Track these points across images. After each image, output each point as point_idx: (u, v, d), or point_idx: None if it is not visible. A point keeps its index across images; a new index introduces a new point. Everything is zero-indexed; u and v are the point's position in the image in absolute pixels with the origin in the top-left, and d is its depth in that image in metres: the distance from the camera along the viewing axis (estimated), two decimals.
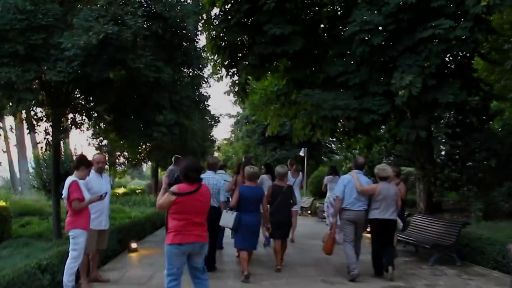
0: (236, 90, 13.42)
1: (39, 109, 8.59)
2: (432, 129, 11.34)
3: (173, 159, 9.98)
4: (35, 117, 8.57)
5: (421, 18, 9.34)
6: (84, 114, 8.81)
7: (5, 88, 6.89)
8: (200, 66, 10.38)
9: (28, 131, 9.11)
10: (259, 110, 15.22)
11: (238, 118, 35.27)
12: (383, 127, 12.72)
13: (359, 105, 9.77)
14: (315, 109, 10.32)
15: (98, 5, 6.78)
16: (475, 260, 8.00)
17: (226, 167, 9.79)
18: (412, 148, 12.15)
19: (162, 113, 9.13)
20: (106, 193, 5.84)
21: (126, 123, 8.25)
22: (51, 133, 8.38)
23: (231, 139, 40.51)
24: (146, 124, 8.53)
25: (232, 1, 11.60)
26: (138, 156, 20.86)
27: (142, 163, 23.18)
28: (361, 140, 13.35)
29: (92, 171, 5.88)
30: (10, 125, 25.08)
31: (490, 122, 13.54)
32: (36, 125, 8.67)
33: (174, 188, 4.36)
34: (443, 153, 14.69)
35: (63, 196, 5.49)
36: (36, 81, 7.51)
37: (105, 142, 13.99)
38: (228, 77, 13.13)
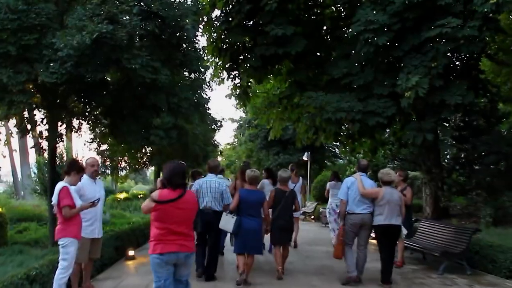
0: (237, 93, 13.20)
1: (34, 112, 8.35)
2: (439, 131, 11.05)
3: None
4: (28, 120, 8.31)
5: (427, 17, 9.13)
6: (81, 117, 8.56)
7: None
8: (200, 67, 10.11)
9: (20, 135, 8.84)
10: (261, 113, 15.00)
11: (241, 122, 35.04)
12: (388, 130, 12.47)
13: (364, 107, 9.54)
14: (318, 111, 10.08)
15: (93, 4, 6.53)
16: (486, 269, 7.67)
17: (224, 172, 9.58)
18: (418, 151, 11.87)
19: (160, 116, 8.86)
20: (99, 199, 5.54)
21: (123, 126, 7.99)
22: (45, 137, 8.13)
23: (234, 143, 40.33)
24: (143, 127, 8.27)
25: (233, 2, 11.40)
26: (140, 160, 20.62)
27: (144, 167, 22.93)
28: (366, 144, 13.09)
29: (85, 176, 5.61)
30: (11, 131, 24.92)
31: (498, 125, 13.23)
32: (30, 129, 8.43)
33: (155, 194, 4.02)
34: (448, 156, 14.40)
35: (52, 203, 5.22)
36: (31, 83, 7.26)
37: (104, 146, 13.76)
38: (230, 80, 12.95)
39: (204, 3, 11.47)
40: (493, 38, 11.27)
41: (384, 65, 10.10)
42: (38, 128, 8.69)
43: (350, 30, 9.71)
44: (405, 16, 9.17)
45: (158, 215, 3.96)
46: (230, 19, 11.39)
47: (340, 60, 10.58)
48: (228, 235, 8.22)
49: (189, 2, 8.66)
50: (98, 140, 10.53)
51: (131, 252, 8.50)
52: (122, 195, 25.41)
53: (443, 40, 8.93)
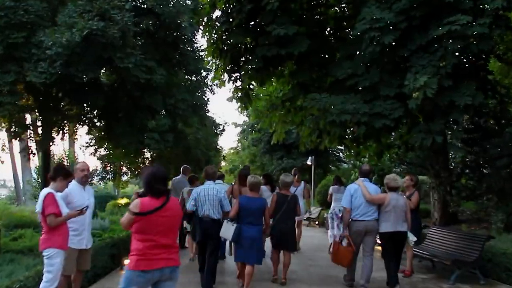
0: (239, 96, 12.87)
1: (26, 115, 8.03)
2: (448, 133, 10.68)
3: (181, 169, 9.81)
4: (16, 122, 7.97)
5: (435, 15, 8.79)
6: (75, 120, 8.22)
7: None
8: (200, 68, 9.78)
9: (10, 137, 8.51)
10: (263, 116, 14.65)
11: (244, 127, 34.75)
12: (393, 133, 12.11)
13: (370, 109, 9.19)
14: (322, 114, 9.76)
15: (84, 0, 6.20)
16: (500, 278, 7.28)
17: (224, 177, 9.34)
18: (426, 155, 11.51)
19: (155, 118, 8.50)
20: (87, 206, 5.17)
21: (117, 129, 7.65)
22: (35, 141, 7.80)
23: (238, 148, 40.08)
24: (138, 130, 7.92)
25: (234, 2, 11.10)
26: (140, 165, 20.33)
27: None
28: (371, 148, 12.75)
29: (74, 182, 5.27)
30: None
31: (509, 127, 12.80)
32: (21, 133, 8.10)
33: (134, 205, 3.57)
34: (455, 160, 13.97)
35: (36, 211, 4.88)
36: (21, 84, 6.93)
37: (102, 151, 13.46)
38: (231, 82, 12.61)
39: (204, 3, 11.17)
40: (501, 38, 10.94)
41: (390, 66, 9.75)
42: (30, 131, 8.34)
43: (355, 29, 9.36)
44: (412, 14, 8.85)
45: (140, 226, 3.54)
46: (231, 19, 11.09)
47: (345, 61, 10.24)
48: (228, 242, 8.03)
49: (187, 0, 8.37)
50: (94, 144, 10.20)
51: (126, 261, 8.12)
52: (123, 201, 25.08)
53: (452, 39, 8.58)
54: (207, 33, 12.07)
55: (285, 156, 26.91)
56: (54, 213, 4.70)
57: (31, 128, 8.07)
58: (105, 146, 11.21)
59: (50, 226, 4.71)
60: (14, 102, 6.43)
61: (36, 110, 7.83)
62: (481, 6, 8.52)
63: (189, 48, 8.22)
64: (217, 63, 12.68)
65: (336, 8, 12.51)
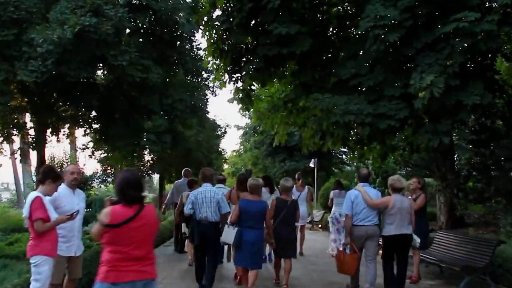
0: (239, 97, 12.61)
1: (19, 116, 7.79)
2: (454, 134, 10.41)
3: (183, 172, 9.67)
4: (7, 123, 7.72)
5: (441, 12, 8.54)
6: (70, 121, 7.98)
7: None
8: (199, 67, 9.51)
9: (1, 139, 8.25)
10: (265, 118, 14.37)
11: (246, 129, 34.55)
12: (397, 134, 11.84)
13: (374, 110, 8.91)
14: (325, 114, 9.48)
15: None
16: (511, 284, 6.99)
17: (225, 181, 9.11)
18: (432, 156, 11.22)
19: (151, 118, 8.23)
20: (78, 211, 4.90)
21: (112, 130, 7.40)
22: (29, 143, 7.56)
23: (240, 151, 39.87)
24: (134, 131, 7.66)
25: (235, 1, 10.87)
26: (141, 168, 20.10)
27: (146, 175, 22.37)
28: (375, 149, 12.47)
29: (63, 185, 5.00)
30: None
31: None
32: (14, 134, 7.85)
33: (104, 215, 3.23)
34: (461, 162, 13.66)
35: (24, 215, 4.62)
36: (12, 83, 6.69)
37: (99, 153, 13.21)
38: (232, 83, 12.36)
39: (204, 2, 10.95)
40: (509, 37, 10.67)
41: (395, 65, 9.48)
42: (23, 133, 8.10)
43: (359, 27, 9.10)
44: (417, 12, 8.59)
45: (111, 238, 3.22)
46: (231, 18, 10.86)
47: (348, 60, 9.97)
48: (226, 247, 7.86)
49: None
50: (92, 146, 9.95)
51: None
52: None
53: (459, 37, 8.32)
54: (207, 33, 11.86)
55: (288, 159, 26.67)
56: (42, 218, 4.44)
57: (24, 130, 7.82)
58: (102, 148, 10.93)
59: (38, 232, 4.46)
60: (5, 102, 6.19)
61: (30, 111, 7.58)
62: (488, 3, 8.29)
63: (187, 47, 7.94)
64: (217, 63, 12.47)
65: (339, 7, 12.26)
